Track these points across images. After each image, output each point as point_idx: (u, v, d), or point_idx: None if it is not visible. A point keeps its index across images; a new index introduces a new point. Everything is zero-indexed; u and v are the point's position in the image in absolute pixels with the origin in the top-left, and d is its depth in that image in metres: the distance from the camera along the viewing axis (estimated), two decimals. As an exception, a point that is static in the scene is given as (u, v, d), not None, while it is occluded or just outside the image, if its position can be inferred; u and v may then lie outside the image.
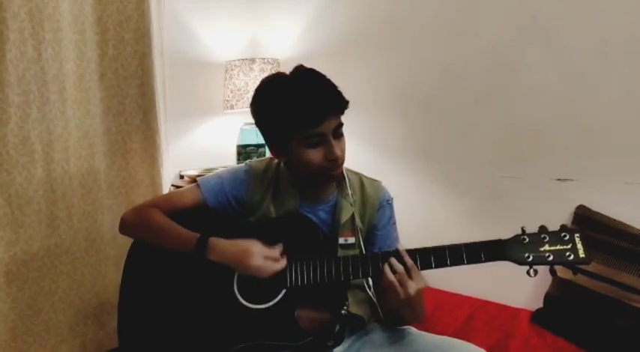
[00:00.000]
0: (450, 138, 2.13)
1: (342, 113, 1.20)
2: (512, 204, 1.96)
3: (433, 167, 2.19)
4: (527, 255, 1.09)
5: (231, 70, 2.41)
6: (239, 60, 2.42)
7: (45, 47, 1.81)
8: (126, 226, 1.36)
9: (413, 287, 1.11)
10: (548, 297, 1.76)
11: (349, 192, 1.30)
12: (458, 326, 1.74)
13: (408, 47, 2.22)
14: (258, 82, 2.33)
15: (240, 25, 2.65)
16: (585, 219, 1.75)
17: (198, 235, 1.23)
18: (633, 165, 1.72)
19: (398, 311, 1.22)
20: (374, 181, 1.37)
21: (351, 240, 1.28)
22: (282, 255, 1.21)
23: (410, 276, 1.12)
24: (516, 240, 1.11)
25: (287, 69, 1.25)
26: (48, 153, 1.86)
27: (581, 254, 1.07)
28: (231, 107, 2.39)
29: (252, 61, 2.39)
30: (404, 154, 2.27)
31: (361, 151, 2.24)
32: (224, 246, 1.21)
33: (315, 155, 1.19)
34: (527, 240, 1.10)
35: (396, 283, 1.11)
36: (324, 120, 1.16)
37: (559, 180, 1.86)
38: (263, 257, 1.18)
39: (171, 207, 1.33)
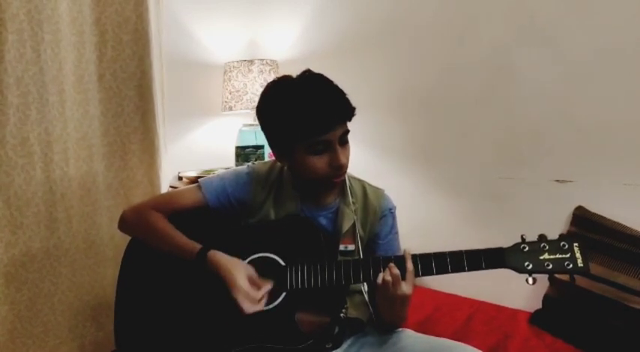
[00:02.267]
0: (449, 139, 2.13)
1: (350, 120, 1.19)
2: (511, 206, 1.96)
3: (432, 168, 2.19)
4: (527, 263, 1.10)
5: (230, 71, 2.41)
6: (238, 61, 2.42)
7: (44, 48, 1.81)
8: (125, 225, 1.36)
9: (403, 289, 1.12)
10: (546, 298, 1.76)
11: (351, 199, 1.30)
12: (457, 327, 1.75)
13: (407, 48, 2.22)
14: (257, 84, 2.36)
15: (238, 27, 2.65)
16: (584, 220, 1.75)
17: (198, 247, 1.22)
18: (632, 167, 1.72)
19: (382, 311, 1.23)
20: (377, 189, 1.36)
21: (351, 247, 1.27)
22: (267, 292, 1.18)
23: (404, 278, 1.12)
24: (516, 248, 1.12)
25: (285, 70, 1.24)
26: (47, 154, 1.86)
27: (580, 263, 1.08)
28: (230, 108, 2.39)
29: (251, 62, 2.39)
30: (403, 155, 2.27)
31: (360, 152, 2.24)
32: (219, 262, 1.20)
33: (319, 162, 1.18)
34: (527, 248, 1.11)
35: (390, 283, 1.12)
36: (332, 129, 1.15)
37: (558, 181, 1.86)
38: (244, 293, 1.15)
39: (171, 207, 1.33)
